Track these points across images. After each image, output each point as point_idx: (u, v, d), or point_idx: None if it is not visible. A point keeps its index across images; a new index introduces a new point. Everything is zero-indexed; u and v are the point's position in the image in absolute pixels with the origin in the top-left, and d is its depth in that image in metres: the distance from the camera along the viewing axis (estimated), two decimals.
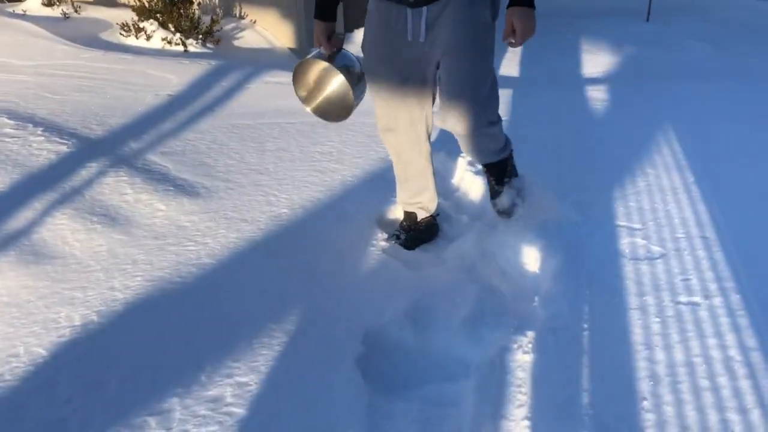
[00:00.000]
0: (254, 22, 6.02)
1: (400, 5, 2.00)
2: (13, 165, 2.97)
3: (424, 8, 1.97)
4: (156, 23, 5.32)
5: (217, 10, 6.14)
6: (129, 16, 5.58)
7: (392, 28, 2.05)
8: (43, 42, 4.87)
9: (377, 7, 2.09)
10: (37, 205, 2.63)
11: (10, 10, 6.16)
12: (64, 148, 3.13)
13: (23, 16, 5.90)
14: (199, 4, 5.87)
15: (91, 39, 5.30)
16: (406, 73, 2.12)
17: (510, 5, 1.92)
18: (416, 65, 2.10)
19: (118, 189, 2.76)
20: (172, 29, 5.29)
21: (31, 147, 3.15)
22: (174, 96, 3.93)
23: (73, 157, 3.05)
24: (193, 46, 5.25)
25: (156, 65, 4.37)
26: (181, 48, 5.19)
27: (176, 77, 4.18)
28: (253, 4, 6.03)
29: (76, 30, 5.61)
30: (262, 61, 5.24)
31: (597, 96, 4.27)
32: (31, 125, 3.42)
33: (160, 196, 2.71)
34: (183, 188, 2.79)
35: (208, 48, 5.34)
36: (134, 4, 5.54)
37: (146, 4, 5.39)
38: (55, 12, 6.11)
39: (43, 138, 3.24)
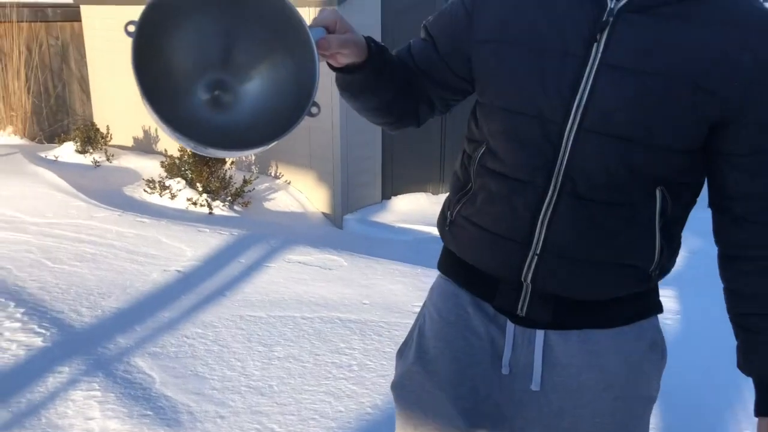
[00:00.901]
0: (289, 183, 5.76)
1: (492, 313, 1.16)
2: None
3: (540, 333, 1.12)
4: (183, 182, 5.06)
5: (253, 168, 5.92)
6: (160, 168, 5.35)
7: (470, 341, 1.17)
8: (60, 196, 4.60)
9: (444, 291, 1.23)
10: None
11: (43, 155, 6.03)
12: (38, 342, 2.67)
13: (54, 163, 5.74)
14: (233, 163, 5.66)
15: (112, 193, 5.04)
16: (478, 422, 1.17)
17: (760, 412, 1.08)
18: (500, 418, 1.16)
19: (84, 410, 2.25)
20: (200, 189, 5.02)
21: (1, 337, 2.70)
22: (183, 273, 3.52)
23: (44, 356, 2.58)
24: (220, 208, 4.94)
25: (172, 233, 4.02)
26: (206, 210, 4.88)
27: (191, 250, 3.80)
28: (290, 165, 5.80)
29: (102, 181, 5.39)
30: (290, 229, 4.88)
31: None
32: (12, 304, 3.01)
33: (132, 425, 2.18)
34: (163, 413, 2.27)
35: (236, 211, 5.03)
36: (168, 153, 5.33)
37: (176, 162, 5.16)
38: (87, 159, 5.95)
39: (19, 325, 2.80)
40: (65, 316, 2.94)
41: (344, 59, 1.04)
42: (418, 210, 5.63)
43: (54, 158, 5.93)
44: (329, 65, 1.07)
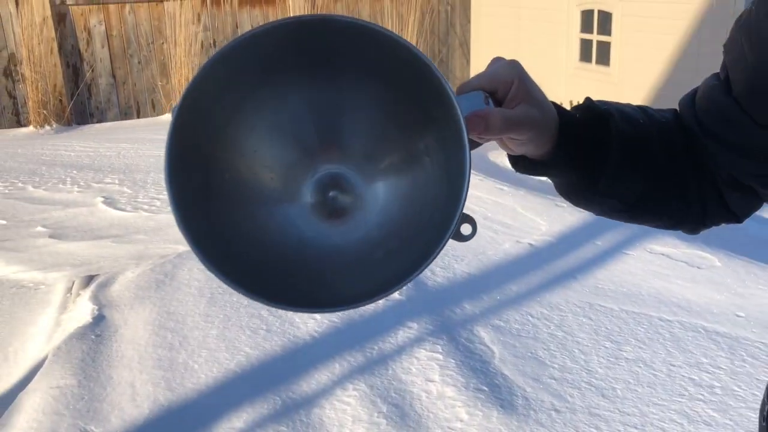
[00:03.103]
0: None
1: None
2: None
3: None
4: None
5: None
6: None
7: None
8: None
9: None
10: (335, 368, 2.34)
11: None
12: (395, 295, 2.85)
13: None
14: None
15: (478, 157, 5.17)
16: None
17: None
18: None
19: (426, 371, 2.33)
20: None
21: None
22: (536, 247, 3.43)
23: (398, 309, 2.74)
24: None
25: (529, 204, 3.96)
26: None
27: (546, 224, 3.69)
28: None
29: None
30: None
31: None
32: None
33: (467, 398, 2.18)
34: (498, 392, 2.23)
35: None
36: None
37: None
38: None
39: None
40: (421, 275, 3.09)
41: (517, 148, 0.65)
42: None
43: None
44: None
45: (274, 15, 6.98)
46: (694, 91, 0.73)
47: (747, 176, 0.69)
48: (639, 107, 0.74)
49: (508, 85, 0.61)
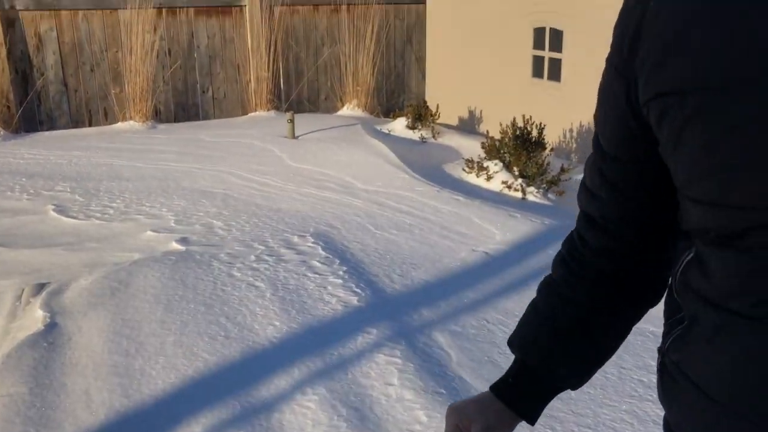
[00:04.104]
0: None
1: None
2: (298, 311, 2.80)
3: None
4: (501, 164, 5.06)
5: (572, 156, 5.69)
6: (479, 148, 5.43)
7: None
8: (388, 167, 4.93)
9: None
10: (295, 373, 2.35)
11: (378, 127, 6.56)
12: (354, 301, 2.88)
13: (387, 136, 6.20)
14: (552, 149, 5.49)
15: (434, 169, 5.26)
16: None
17: None
18: None
19: (385, 375, 2.35)
20: (516, 173, 4.97)
21: (325, 290, 2.97)
22: (491, 256, 3.50)
23: (357, 315, 2.76)
24: (533, 194, 4.84)
25: (484, 214, 4.03)
26: (519, 195, 4.82)
27: (500, 233, 3.77)
28: None
29: (426, 157, 5.66)
30: None
31: None
32: (338, 261, 3.29)
33: (426, 401, 2.21)
34: (456, 395, 2.27)
35: (549, 199, 4.88)
36: (489, 135, 5.39)
37: (496, 143, 5.18)
38: (415, 135, 6.32)
39: (341, 282, 3.05)
40: (379, 280, 3.12)
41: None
42: None
43: (387, 131, 6.40)
44: None
45: (231, 25, 6.97)
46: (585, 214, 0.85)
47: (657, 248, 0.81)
48: (575, 282, 0.86)
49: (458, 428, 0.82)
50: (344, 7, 7.28)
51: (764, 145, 0.59)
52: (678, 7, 0.66)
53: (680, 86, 0.64)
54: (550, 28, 5.71)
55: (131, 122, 6.59)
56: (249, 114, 7.13)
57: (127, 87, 6.54)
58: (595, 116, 0.80)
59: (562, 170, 5.04)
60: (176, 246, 3.53)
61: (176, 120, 6.89)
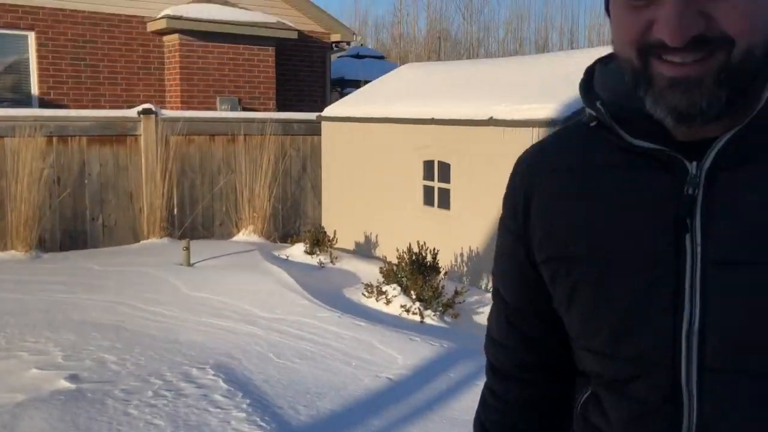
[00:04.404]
0: None
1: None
2: None
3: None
4: (399, 288, 5.21)
5: (464, 279, 5.94)
6: (377, 272, 5.57)
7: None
8: (288, 294, 4.95)
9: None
10: None
11: (276, 253, 6.60)
12: None
13: (285, 261, 6.25)
14: (446, 273, 5.73)
15: (334, 294, 5.32)
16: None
17: None
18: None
19: None
20: (414, 296, 5.13)
21: (228, 425, 2.89)
22: (394, 381, 3.54)
23: None
24: (431, 318, 4.99)
25: (385, 339, 4.11)
26: (417, 318, 4.95)
27: (402, 358, 3.84)
28: None
29: (325, 282, 5.73)
30: None
31: None
32: (240, 394, 3.22)
33: None
34: None
35: (446, 321, 5.04)
36: (387, 260, 5.55)
37: (393, 268, 5.35)
38: (314, 260, 6.40)
39: (245, 416, 2.98)
40: (284, 412, 3.07)
41: None
42: None
43: (285, 257, 6.46)
44: None
45: (125, 153, 6.96)
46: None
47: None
48: None
49: None
50: (241, 137, 7.49)
51: (640, 311, 0.72)
52: (551, 193, 0.81)
53: (566, 255, 0.78)
54: (439, 162, 6.12)
55: (13, 252, 6.29)
56: (141, 242, 6.99)
57: (10, 215, 6.29)
58: (494, 272, 0.92)
59: (456, 293, 5.24)
60: (65, 384, 3.33)
61: (62, 249, 6.64)
